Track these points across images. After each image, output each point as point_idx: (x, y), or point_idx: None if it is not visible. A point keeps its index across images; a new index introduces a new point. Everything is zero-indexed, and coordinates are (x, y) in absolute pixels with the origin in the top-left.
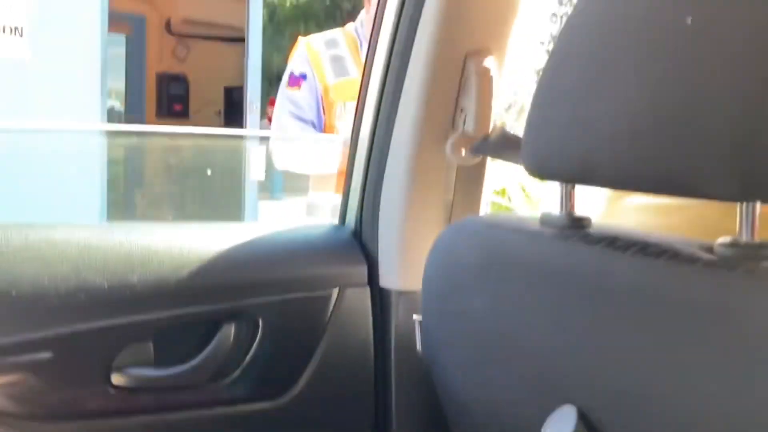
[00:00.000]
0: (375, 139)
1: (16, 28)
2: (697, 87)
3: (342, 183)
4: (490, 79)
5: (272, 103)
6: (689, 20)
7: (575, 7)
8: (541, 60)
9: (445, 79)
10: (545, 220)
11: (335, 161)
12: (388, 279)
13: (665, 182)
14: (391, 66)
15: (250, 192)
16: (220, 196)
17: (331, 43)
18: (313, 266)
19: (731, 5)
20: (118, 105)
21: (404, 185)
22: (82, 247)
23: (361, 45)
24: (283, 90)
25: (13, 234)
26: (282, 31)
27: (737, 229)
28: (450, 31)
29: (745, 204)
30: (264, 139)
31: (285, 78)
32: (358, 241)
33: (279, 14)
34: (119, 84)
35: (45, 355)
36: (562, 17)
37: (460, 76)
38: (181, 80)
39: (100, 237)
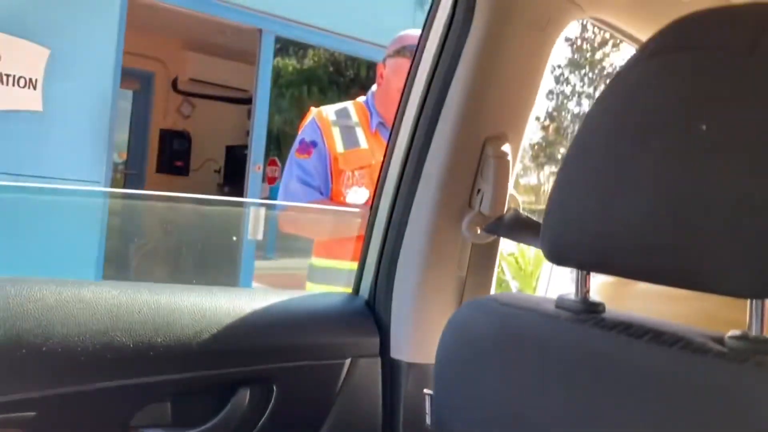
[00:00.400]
0: (394, 213)
1: (31, 80)
2: (711, 186)
3: (347, 251)
4: (507, 163)
5: (272, 163)
6: (704, 127)
7: (597, 100)
8: (535, 134)
9: (464, 161)
10: (561, 304)
11: (343, 230)
12: (399, 350)
13: (679, 275)
14: (414, 145)
15: (247, 251)
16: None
17: (342, 114)
18: (327, 335)
19: (742, 115)
20: (120, 158)
21: (420, 260)
22: (111, 306)
23: (371, 116)
24: (293, 157)
25: (46, 290)
26: (284, 94)
27: (747, 323)
28: (471, 117)
29: (755, 300)
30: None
31: (295, 145)
32: (372, 312)
33: (282, 77)
34: (122, 137)
35: (68, 410)
36: (558, 95)
37: (479, 158)
38: (183, 137)
39: (128, 297)
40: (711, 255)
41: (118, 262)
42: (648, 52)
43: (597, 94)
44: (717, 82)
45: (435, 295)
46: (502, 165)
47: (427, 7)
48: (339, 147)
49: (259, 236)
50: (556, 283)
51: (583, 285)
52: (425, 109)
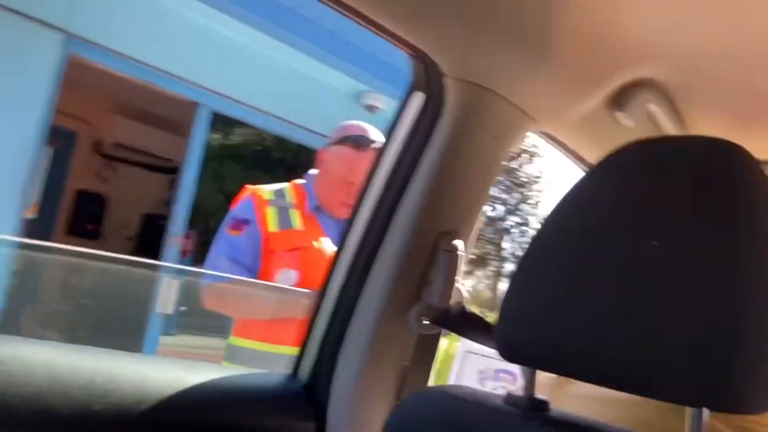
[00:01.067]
0: (343, 296)
1: None
2: (660, 299)
3: (270, 332)
4: (456, 257)
5: (187, 237)
6: (656, 243)
7: (554, 208)
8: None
9: (417, 253)
10: (509, 400)
11: (269, 310)
12: None
13: (628, 380)
14: (370, 232)
15: (154, 323)
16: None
17: (279, 194)
18: (265, 416)
19: (690, 236)
20: (30, 214)
21: (365, 347)
22: (49, 367)
23: (308, 199)
24: (223, 232)
25: None
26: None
27: (686, 430)
28: (428, 211)
29: (695, 410)
30: (178, 274)
31: (227, 220)
32: (310, 396)
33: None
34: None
35: None
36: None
37: (431, 251)
38: (100, 200)
39: (68, 359)
40: (656, 363)
41: (8, 321)
42: (600, 171)
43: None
44: (668, 206)
45: (377, 383)
46: (452, 259)
47: (363, 101)
48: (272, 226)
49: (169, 310)
50: (464, 377)
51: (530, 383)
52: (384, 199)
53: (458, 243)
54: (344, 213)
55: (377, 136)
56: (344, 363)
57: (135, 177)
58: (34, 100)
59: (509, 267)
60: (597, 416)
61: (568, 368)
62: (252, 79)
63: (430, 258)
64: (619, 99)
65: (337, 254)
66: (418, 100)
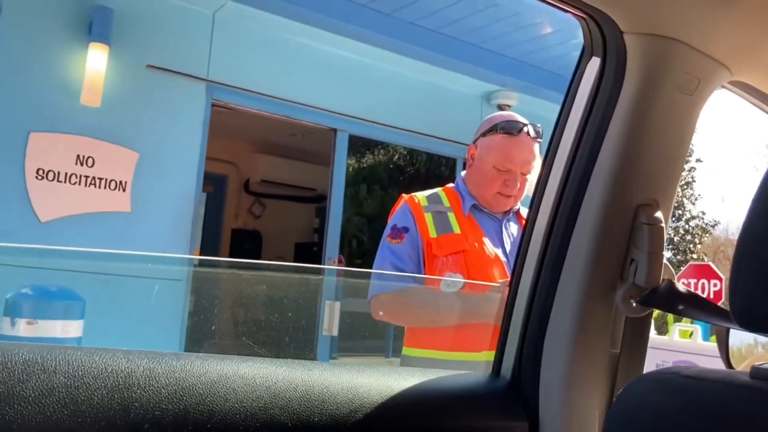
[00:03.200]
0: (538, 288)
1: (120, 183)
2: None
3: (442, 339)
4: (661, 231)
5: (339, 261)
6: None
7: None
8: None
9: (615, 230)
10: (759, 374)
11: (439, 317)
12: None
13: None
14: (559, 214)
15: (322, 347)
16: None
17: (433, 199)
18: (475, 418)
19: None
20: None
21: (571, 336)
22: (269, 382)
23: (463, 200)
24: (385, 242)
25: (208, 365)
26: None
27: None
28: (623, 183)
29: None
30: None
31: (387, 230)
32: (517, 394)
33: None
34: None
35: None
36: None
37: (631, 226)
38: (254, 236)
39: (284, 373)
40: None
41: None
42: None
43: None
44: None
45: (588, 374)
46: (657, 233)
47: (494, 101)
48: (432, 232)
49: (334, 332)
50: None
51: None
52: (572, 176)
53: (659, 215)
54: (502, 206)
55: (525, 121)
56: (549, 356)
57: (283, 210)
58: (191, 148)
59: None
60: None
61: None
62: (381, 97)
63: (630, 234)
64: None
65: (525, 244)
66: (594, 66)
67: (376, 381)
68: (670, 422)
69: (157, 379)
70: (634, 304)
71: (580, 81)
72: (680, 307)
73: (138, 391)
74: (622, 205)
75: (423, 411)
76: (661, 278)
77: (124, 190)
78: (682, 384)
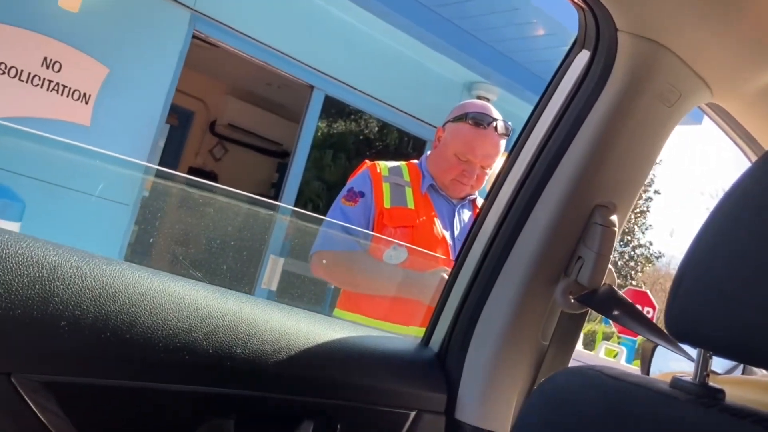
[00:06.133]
0: (482, 269)
1: (84, 95)
2: None
3: (377, 307)
4: (613, 234)
5: None
6: None
7: (746, 174)
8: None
9: (569, 225)
10: (677, 385)
11: (377, 285)
12: (465, 413)
13: None
14: (518, 200)
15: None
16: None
17: (395, 171)
18: (397, 382)
19: None
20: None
21: (503, 321)
22: (198, 305)
23: (423, 178)
24: (339, 203)
25: (139, 275)
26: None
27: None
28: (586, 180)
29: None
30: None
31: (343, 192)
32: (442, 367)
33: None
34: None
35: (134, 405)
36: None
37: (584, 225)
38: (211, 178)
39: (215, 300)
40: None
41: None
42: None
43: None
44: None
45: (514, 360)
46: (609, 235)
47: (474, 92)
48: (386, 202)
49: (273, 287)
50: None
51: (704, 367)
52: (538, 164)
53: (614, 218)
54: (458, 192)
55: (498, 116)
56: (480, 336)
57: (245, 158)
58: (163, 75)
59: None
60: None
61: (757, 356)
62: (365, 65)
63: (583, 232)
64: None
65: (479, 224)
66: (582, 59)
67: (306, 326)
68: (586, 416)
69: (84, 278)
70: (573, 300)
71: (565, 72)
72: (615, 313)
73: (61, 287)
74: (581, 202)
75: (346, 364)
76: (603, 281)
77: (86, 103)
78: (604, 382)
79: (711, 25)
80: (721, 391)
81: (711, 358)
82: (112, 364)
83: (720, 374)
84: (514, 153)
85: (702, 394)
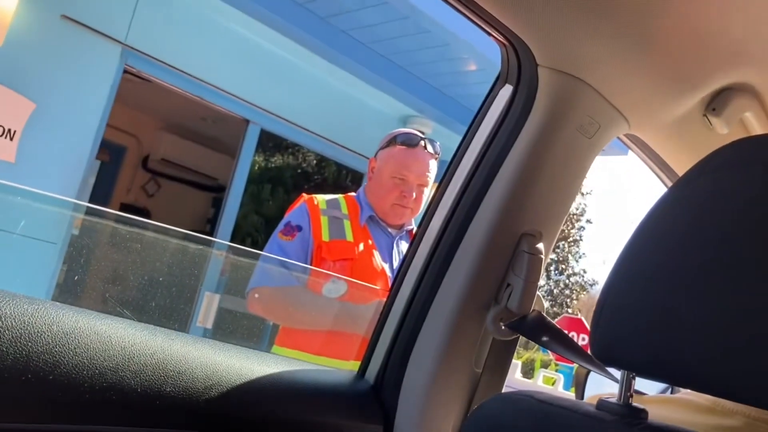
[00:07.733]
0: (416, 298)
1: (9, 131)
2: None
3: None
4: (540, 261)
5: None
6: None
7: (653, 208)
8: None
9: (498, 253)
10: (603, 407)
11: (316, 320)
12: None
13: (744, 390)
14: (448, 230)
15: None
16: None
17: (333, 204)
18: (332, 415)
19: None
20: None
21: (438, 350)
22: (125, 344)
23: (361, 210)
24: (276, 237)
25: (63, 315)
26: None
27: None
28: (512, 210)
29: None
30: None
31: (280, 226)
32: (378, 398)
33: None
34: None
35: None
36: None
37: (512, 253)
38: (144, 215)
39: (143, 337)
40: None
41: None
42: (711, 166)
43: None
44: None
45: (449, 387)
46: (536, 262)
47: (410, 126)
48: (325, 236)
49: (209, 325)
50: None
51: (627, 388)
52: (467, 195)
53: (541, 246)
54: (398, 218)
55: (423, 135)
56: (414, 365)
57: (179, 194)
58: (93, 111)
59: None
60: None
61: (675, 375)
62: (300, 99)
63: (511, 260)
64: (715, 103)
65: (411, 254)
66: (506, 93)
67: (238, 362)
68: None
69: (3, 319)
70: (503, 327)
71: (490, 105)
72: (545, 339)
73: None
74: (508, 230)
75: (280, 399)
76: (532, 308)
77: (11, 139)
78: (534, 406)
79: (625, 59)
80: (644, 411)
81: (634, 378)
82: (35, 408)
83: (646, 395)
84: (443, 183)
85: (626, 414)
